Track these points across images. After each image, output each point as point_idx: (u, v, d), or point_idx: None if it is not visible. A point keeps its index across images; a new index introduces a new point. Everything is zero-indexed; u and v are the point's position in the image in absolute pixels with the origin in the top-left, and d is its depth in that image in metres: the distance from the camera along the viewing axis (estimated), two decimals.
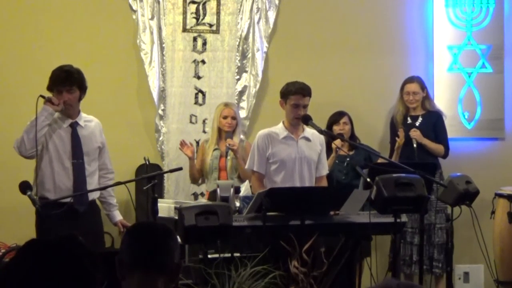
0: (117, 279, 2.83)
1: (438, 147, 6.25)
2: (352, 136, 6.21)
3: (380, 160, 5.83)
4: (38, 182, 4.84)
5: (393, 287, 1.77)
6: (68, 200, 4.75)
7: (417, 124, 6.27)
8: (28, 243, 1.75)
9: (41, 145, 4.78)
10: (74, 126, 4.91)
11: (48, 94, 4.89)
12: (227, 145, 5.71)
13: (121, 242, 2.58)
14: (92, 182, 4.95)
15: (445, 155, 6.30)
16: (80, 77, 4.89)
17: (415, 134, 6.15)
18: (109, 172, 5.15)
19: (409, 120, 6.30)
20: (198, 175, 5.92)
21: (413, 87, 6.29)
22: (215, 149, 5.87)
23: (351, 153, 6.17)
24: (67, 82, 4.83)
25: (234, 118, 5.89)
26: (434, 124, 6.28)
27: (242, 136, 6.11)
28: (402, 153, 6.14)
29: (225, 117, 5.88)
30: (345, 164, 6.07)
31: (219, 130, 5.91)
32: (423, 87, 6.32)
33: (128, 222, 6.04)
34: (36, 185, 4.85)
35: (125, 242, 2.53)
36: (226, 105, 5.98)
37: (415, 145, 6.12)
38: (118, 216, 5.12)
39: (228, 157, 5.79)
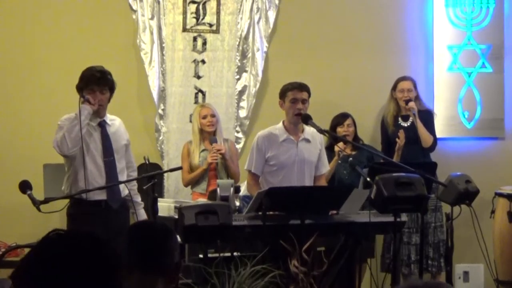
0: None
1: (429, 135, 6.23)
2: (355, 137, 6.22)
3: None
4: (71, 180, 4.85)
5: (419, 286, 1.78)
6: (102, 198, 4.82)
7: (408, 124, 6.27)
8: (49, 234, 1.73)
9: (79, 144, 4.80)
10: (102, 125, 4.96)
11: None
12: (214, 151, 5.71)
13: (121, 241, 2.58)
14: (122, 179, 4.98)
15: (432, 147, 6.28)
16: (112, 79, 4.95)
17: (412, 104, 6.17)
18: (134, 170, 5.20)
19: (400, 120, 6.31)
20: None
21: (407, 84, 6.29)
22: (202, 150, 5.88)
23: (353, 153, 6.17)
24: (101, 83, 4.88)
25: (213, 115, 5.89)
26: (424, 122, 6.27)
27: (224, 136, 6.12)
28: (405, 154, 6.14)
29: (204, 117, 5.88)
30: (348, 163, 6.08)
31: (201, 131, 5.91)
32: (415, 86, 6.33)
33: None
34: (68, 184, 4.87)
35: (125, 242, 2.52)
36: (202, 106, 6.01)
37: (411, 119, 6.17)
38: (144, 215, 5.11)
39: (218, 160, 5.79)
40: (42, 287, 1.65)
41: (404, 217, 4.95)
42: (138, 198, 5.13)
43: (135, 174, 5.19)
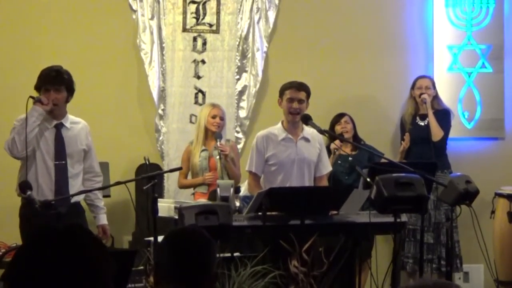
0: (119, 279, 2.78)
1: (439, 129, 6.23)
2: (356, 137, 6.22)
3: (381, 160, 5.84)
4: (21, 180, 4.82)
5: (429, 285, 1.84)
6: (51, 200, 4.72)
7: (426, 123, 6.28)
8: (35, 231, 1.75)
9: (31, 146, 4.77)
10: (58, 127, 4.88)
11: (35, 94, 4.86)
12: (219, 149, 5.68)
13: (159, 248, 2.56)
14: (75, 184, 4.91)
15: (441, 141, 6.27)
16: (69, 79, 4.87)
17: (425, 95, 6.22)
18: (97, 175, 5.08)
19: (418, 119, 6.33)
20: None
21: (425, 82, 6.34)
22: (203, 150, 5.84)
23: (354, 153, 6.17)
24: (56, 82, 4.81)
25: (222, 118, 5.85)
26: (439, 119, 6.28)
27: (228, 138, 6.10)
28: (419, 152, 6.16)
29: (214, 117, 5.83)
30: (348, 164, 6.08)
31: (206, 130, 5.86)
32: (434, 85, 6.37)
33: (128, 221, 6.04)
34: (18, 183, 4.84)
35: (165, 254, 2.50)
36: (214, 105, 5.92)
37: (427, 110, 6.21)
38: (103, 220, 5.04)
39: (217, 158, 5.77)
40: (31, 286, 1.67)
41: (404, 218, 4.94)
42: (100, 203, 5.05)
43: (99, 179, 5.08)
